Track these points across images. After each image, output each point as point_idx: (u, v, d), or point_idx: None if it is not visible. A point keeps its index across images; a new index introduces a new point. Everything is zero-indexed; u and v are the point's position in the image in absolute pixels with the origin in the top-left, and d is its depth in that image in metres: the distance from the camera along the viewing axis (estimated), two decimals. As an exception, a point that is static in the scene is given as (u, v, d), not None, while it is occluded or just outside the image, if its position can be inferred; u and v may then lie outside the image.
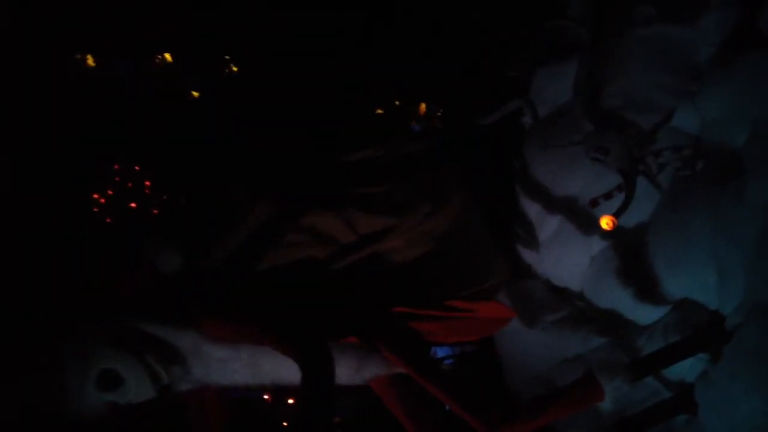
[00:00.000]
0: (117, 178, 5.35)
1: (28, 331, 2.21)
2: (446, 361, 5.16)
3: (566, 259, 3.88)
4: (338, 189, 2.70)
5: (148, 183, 5.40)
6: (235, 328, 2.35)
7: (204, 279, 2.45)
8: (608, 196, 3.35)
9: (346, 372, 2.44)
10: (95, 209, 5.18)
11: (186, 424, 2.51)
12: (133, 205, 5.30)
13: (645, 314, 3.39)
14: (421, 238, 2.72)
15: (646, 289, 3.35)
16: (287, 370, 2.35)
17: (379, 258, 2.66)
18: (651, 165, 3.33)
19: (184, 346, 2.25)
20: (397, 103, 5.92)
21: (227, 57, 5.72)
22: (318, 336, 2.34)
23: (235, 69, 5.78)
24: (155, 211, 5.33)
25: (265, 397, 5.16)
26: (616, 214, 3.20)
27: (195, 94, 5.71)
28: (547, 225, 4.02)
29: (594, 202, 3.39)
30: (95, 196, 5.21)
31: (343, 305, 2.55)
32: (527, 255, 4.20)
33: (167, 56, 5.64)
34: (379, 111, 5.84)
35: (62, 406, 2.11)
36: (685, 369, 3.06)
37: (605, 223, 3.18)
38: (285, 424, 5.31)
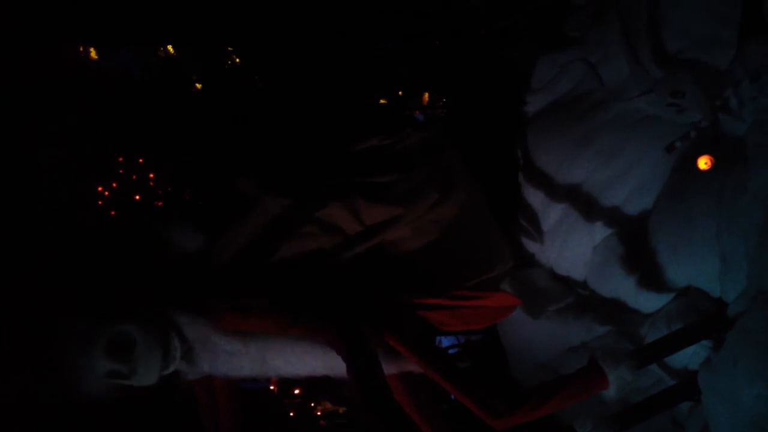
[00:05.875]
0: (121, 171, 5.36)
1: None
2: (451, 350, 5.18)
3: (569, 247, 3.88)
4: (344, 179, 2.71)
5: (152, 175, 5.41)
6: (260, 321, 2.35)
7: (218, 271, 2.47)
8: (685, 138, 3.25)
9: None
10: (100, 202, 5.20)
11: (197, 413, 2.54)
12: (137, 197, 5.32)
13: (648, 302, 3.40)
14: (429, 227, 2.72)
15: (649, 277, 3.35)
16: (295, 366, 2.36)
17: (386, 247, 2.66)
18: (730, 99, 3.18)
19: (193, 335, 2.25)
20: (400, 93, 5.91)
21: (230, 48, 5.72)
22: (351, 319, 2.35)
23: (237, 60, 5.78)
24: (159, 203, 5.35)
25: (272, 387, 5.20)
26: (712, 153, 3.10)
27: (198, 85, 5.71)
28: (551, 214, 4.01)
29: (671, 147, 3.28)
30: (100, 188, 5.23)
31: (352, 296, 2.55)
32: (531, 244, 4.20)
33: (170, 48, 5.64)
34: (383, 101, 5.84)
35: (69, 376, 2.13)
36: (689, 356, 3.07)
37: (703, 162, 3.09)
38: (292, 414, 5.35)
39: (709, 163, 3.08)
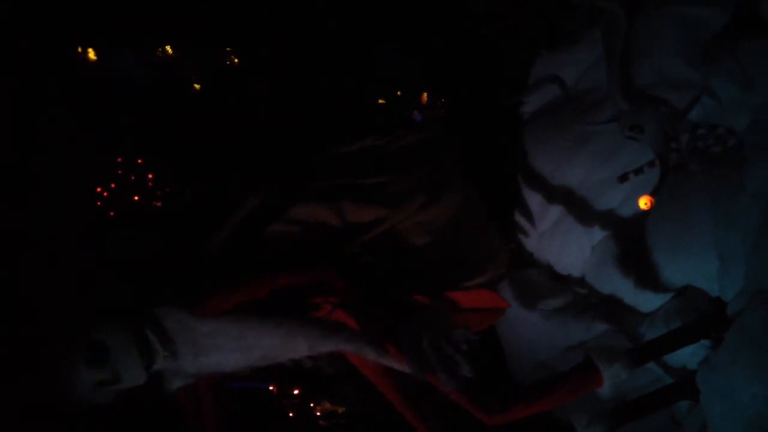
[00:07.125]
0: (120, 171, 5.35)
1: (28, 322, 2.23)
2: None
3: (568, 247, 3.88)
4: (334, 180, 2.70)
5: (150, 176, 5.40)
6: (249, 289, 2.34)
7: (201, 266, 2.47)
8: (639, 171, 3.33)
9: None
10: (98, 203, 5.19)
11: (184, 424, 2.52)
12: (136, 198, 5.31)
13: (647, 302, 3.39)
14: (416, 230, 2.71)
15: (648, 277, 3.35)
16: (271, 341, 2.35)
17: (372, 248, 2.65)
18: (684, 143, 3.25)
19: (171, 326, 2.24)
20: (399, 93, 5.91)
21: (228, 49, 5.72)
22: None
23: (236, 60, 5.78)
24: (158, 204, 5.34)
25: (270, 388, 5.19)
26: (653, 193, 3.19)
27: (196, 86, 5.71)
28: (549, 213, 4.01)
29: (624, 177, 3.36)
30: (98, 189, 5.22)
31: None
32: (529, 243, 4.20)
33: (168, 48, 5.64)
34: (381, 101, 5.83)
35: (58, 394, 2.13)
36: (687, 355, 3.06)
37: (643, 203, 3.20)
38: (291, 414, 5.34)
39: (649, 204, 3.21)
